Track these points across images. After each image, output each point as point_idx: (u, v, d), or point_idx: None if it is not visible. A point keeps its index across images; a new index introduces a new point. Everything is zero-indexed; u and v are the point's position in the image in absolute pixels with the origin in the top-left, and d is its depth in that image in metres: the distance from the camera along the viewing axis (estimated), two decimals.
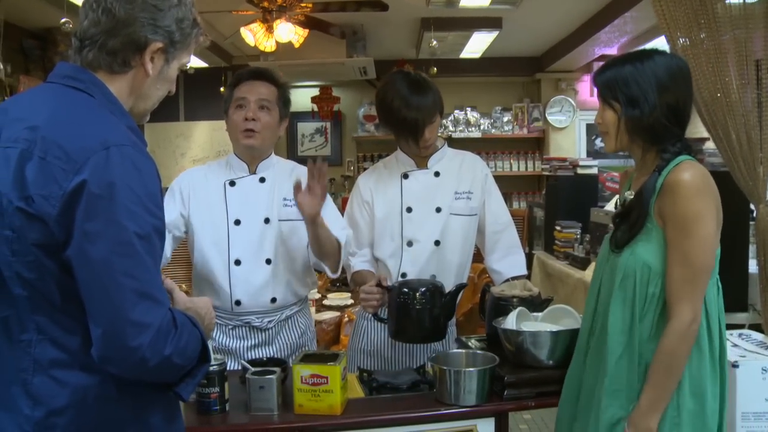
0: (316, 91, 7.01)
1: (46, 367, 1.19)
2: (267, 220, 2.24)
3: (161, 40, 1.28)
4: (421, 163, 2.38)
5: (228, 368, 2.17)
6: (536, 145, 7.17)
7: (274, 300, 2.26)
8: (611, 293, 1.68)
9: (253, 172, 2.28)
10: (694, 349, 1.59)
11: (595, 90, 1.75)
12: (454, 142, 7.02)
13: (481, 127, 7.05)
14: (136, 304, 1.13)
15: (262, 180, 2.28)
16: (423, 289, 2.09)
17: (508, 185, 7.15)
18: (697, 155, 2.93)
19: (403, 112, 2.22)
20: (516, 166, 7.05)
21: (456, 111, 7.09)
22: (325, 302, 4.35)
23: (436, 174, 2.36)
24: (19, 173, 1.16)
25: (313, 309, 4.06)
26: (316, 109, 6.99)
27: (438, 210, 2.33)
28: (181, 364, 1.22)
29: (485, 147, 7.03)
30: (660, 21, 2.63)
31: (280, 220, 2.25)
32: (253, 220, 2.23)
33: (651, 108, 1.62)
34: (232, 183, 2.25)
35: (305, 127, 7.43)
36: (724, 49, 2.58)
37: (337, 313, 4.02)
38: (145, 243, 1.16)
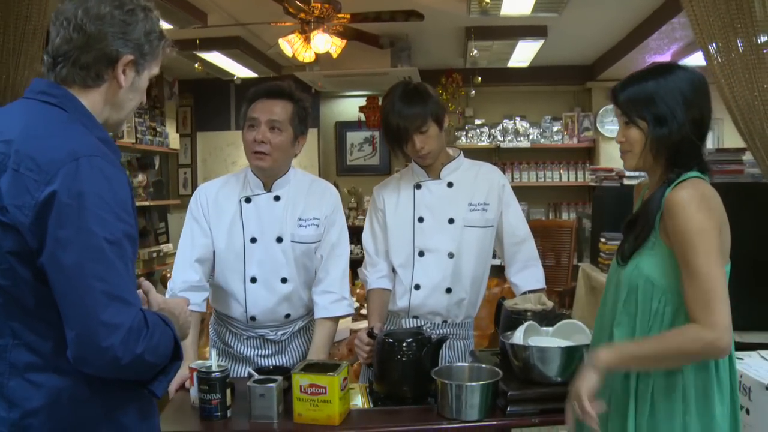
0: (363, 101, 7.04)
1: (21, 371, 1.23)
2: (279, 240, 2.23)
3: (131, 52, 1.34)
4: (434, 173, 2.35)
5: (243, 374, 2.21)
6: (586, 155, 7.01)
7: (288, 315, 2.29)
8: (617, 308, 1.64)
9: (268, 189, 2.26)
10: (701, 369, 1.52)
11: (615, 107, 1.70)
12: (502, 152, 6.95)
13: (530, 137, 6.92)
14: (107, 306, 1.18)
15: (277, 198, 2.26)
16: (409, 340, 1.97)
17: (557, 196, 7.02)
18: (734, 165, 2.82)
19: (389, 119, 2.23)
20: (565, 177, 6.89)
21: (504, 120, 6.99)
22: (363, 312, 4.36)
23: (449, 185, 2.33)
24: None
25: (349, 317, 4.06)
26: (363, 118, 7.03)
27: (451, 221, 2.30)
28: (153, 362, 1.26)
29: (534, 157, 6.91)
30: (693, 26, 2.55)
31: (293, 242, 2.23)
32: (268, 238, 2.23)
33: (679, 125, 1.57)
34: (248, 200, 2.25)
35: (354, 137, 7.47)
36: (762, 54, 2.47)
37: None
38: (115, 248, 1.21)
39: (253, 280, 2.22)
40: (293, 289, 2.25)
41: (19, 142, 1.23)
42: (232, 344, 2.32)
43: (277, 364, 2.28)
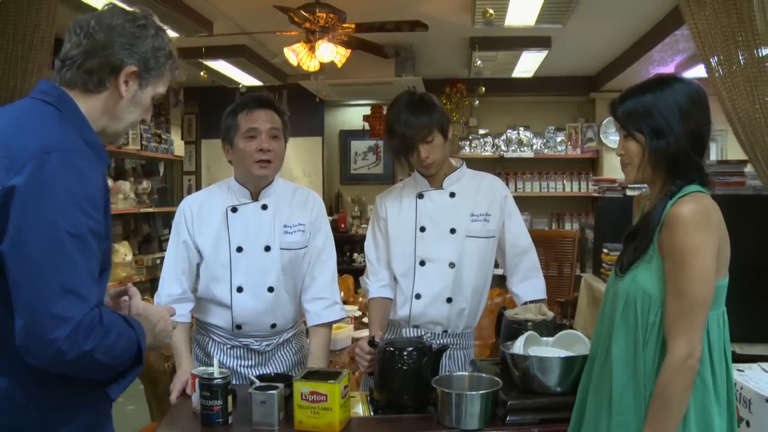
0: (368, 110, 7.07)
1: None
2: (267, 248, 2.23)
3: (136, 64, 1.37)
4: (437, 183, 2.36)
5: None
6: (590, 165, 7.03)
7: (273, 326, 2.28)
8: (614, 320, 1.64)
9: (255, 198, 2.26)
10: (698, 383, 1.53)
11: (615, 120, 1.71)
12: (505, 162, 6.96)
13: (534, 147, 6.95)
14: (60, 298, 1.17)
15: (264, 207, 2.26)
16: (410, 350, 1.97)
17: (560, 206, 7.03)
18: (735, 177, 2.82)
19: (395, 128, 2.24)
20: (569, 187, 6.91)
21: (509, 130, 7.01)
22: (365, 320, 4.36)
23: (452, 195, 2.34)
24: None
25: (351, 326, 4.07)
26: (367, 127, 7.05)
27: (452, 231, 2.31)
28: (106, 362, 1.23)
29: (537, 167, 6.93)
30: (695, 39, 2.56)
31: (281, 249, 2.24)
32: (255, 247, 2.22)
33: (676, 137, 1.58)
34: (234, 209, 2.24)
35: (358, 146, 7.50)
36: (763, 67, 2.48)
37: None
38: (77, 242, 1.20)
39: (240, 289, 2.22)
40: (280, 299, 2.24)
41: (1, 132, 1.26)
42: (214, 354, 2.27)
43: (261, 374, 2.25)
